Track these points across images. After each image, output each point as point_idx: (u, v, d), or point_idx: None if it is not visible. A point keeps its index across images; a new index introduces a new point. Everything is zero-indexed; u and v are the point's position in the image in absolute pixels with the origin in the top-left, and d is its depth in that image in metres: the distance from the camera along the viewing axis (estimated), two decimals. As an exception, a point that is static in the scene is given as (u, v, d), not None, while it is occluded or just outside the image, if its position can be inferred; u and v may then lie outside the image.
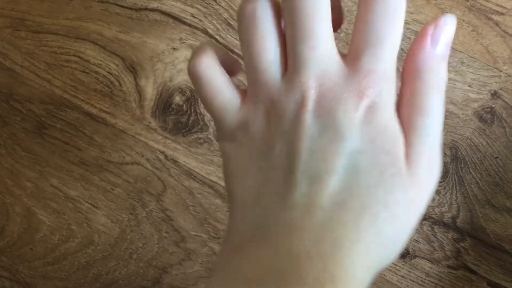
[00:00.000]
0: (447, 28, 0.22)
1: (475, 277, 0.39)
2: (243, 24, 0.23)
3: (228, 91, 0.24)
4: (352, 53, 0.22)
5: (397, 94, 0.23)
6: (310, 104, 0.22)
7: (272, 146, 0.23)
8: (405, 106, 0.22)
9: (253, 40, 0.23)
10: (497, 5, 0.40)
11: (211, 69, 0.24)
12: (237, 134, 0.24)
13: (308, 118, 0.22)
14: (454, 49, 0.40)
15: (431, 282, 0.39)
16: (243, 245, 0.22)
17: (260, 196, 0.23)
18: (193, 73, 0.24)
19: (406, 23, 0.40)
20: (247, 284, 0.20)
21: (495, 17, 0.40)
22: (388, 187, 0.22)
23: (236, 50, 0.42)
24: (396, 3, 0.21)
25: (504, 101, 0.40)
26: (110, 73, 0.42)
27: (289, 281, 0.20)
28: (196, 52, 0.24)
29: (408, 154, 0.22)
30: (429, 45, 0.22)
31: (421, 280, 0.39)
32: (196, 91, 0.25)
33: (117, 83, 0.42)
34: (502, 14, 0.40)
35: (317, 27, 0.22)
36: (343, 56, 0.23)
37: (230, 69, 0.26)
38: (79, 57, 0.43)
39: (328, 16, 0.22)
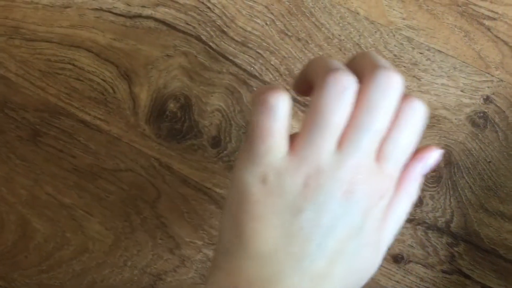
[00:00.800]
0: (433, 161, 0.29)
1: (469, 282, 0.39)
2: (330, 91, 0.24)
3: (285, 135, 0.26)
4: (381, 154, 0.26)
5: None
6: (346, 187, 0.25)
7: (303, 209, 0.25)
8: (390, 204, 0.28)
9: (335, 111, 0.25)
10: (489, 10, 0.40)
11: (285, 108, 0.25)
12: (270, 179, 0.25)
13: (342, 198, 0.25)
14: (446, 55, 0.40)
15: (425, 287, 0.39)
16: None
17: (277, 253, 0.25)
18: (268, 104, 0.25)
19: (398, 28, 0.41)
20: None
21: (487, 22, 0.40)
22: (367, 262, 0.28)
23: (229, 57, 0.42)
24: (417, 121, 0.27)
25: (497, 105, 0.40)
26: (104, 81, 0.42)
27: None
28: (276, 89, 0.25)
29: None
30: (418, 174, 0.29)
31: (416, 285, 0.39)
32: (256, 120, 0.25)
33: (111, 90, 0.42)
34: (494, 19, 0.40)
35: (380, 124, 0.25)
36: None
37: None
38: (73, 64, 0.43)
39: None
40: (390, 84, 0.25)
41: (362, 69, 0.26)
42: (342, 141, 0.25)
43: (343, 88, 0.24)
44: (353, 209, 0.25)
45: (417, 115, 0.26)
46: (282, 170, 0.25)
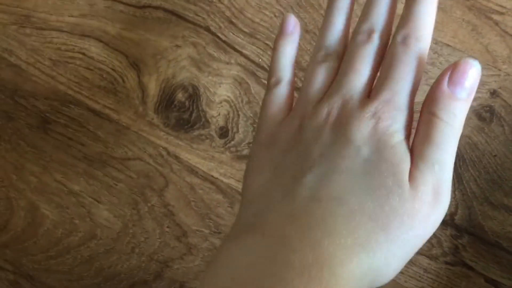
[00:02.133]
0: (467, 72, 0.24)
1: (472, 274, 0.39)
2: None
3: (283, 116, 0.28)
4: (374, 89, 0.26)
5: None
6: (331, 119, 0.26)
7: (292, 148, 0.26)
8: (418, 137, 0.24)
9: (317, 73, 0.28)
10: (497, 4, 0.41)
11: (280, 91, 0.29)
12: (267, 139, 0.28)
13: (327, 129, 0.25)
14: (454, 48, 0.41)
15: (429, 278, 0.39)
16: (241, 234, 0.24)
17: (267, 190, 0.25)
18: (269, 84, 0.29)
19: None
20: (239, 270, 0.21)
21: (495, 17, 0.41)
22: (386, 192, 0.23)
23: (237, 48, 0.42)
24: (418, 56, 0.25)
25: (503, 100, 0.40)
26: (114, 70, 0.43)
27: (277, 264, 0.21)
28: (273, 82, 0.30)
29: (413, 177, 0.23)
30: (445, 85, 0.24)
31: (419, 276, 0.39)
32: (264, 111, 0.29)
33: (120, 80, 0.43)
34: (502, 13, 0.41)
35: (363, 68, 0.26)
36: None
37: None
38: (83, 54, 0.43)
39: (376, 63, 0.27)
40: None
41: None
42: (330, 87, 0.27)
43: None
44: (342, 135, 0.25)
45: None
46: (278, 129, 0.28)
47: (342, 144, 0.24)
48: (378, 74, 0.27)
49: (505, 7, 0.40)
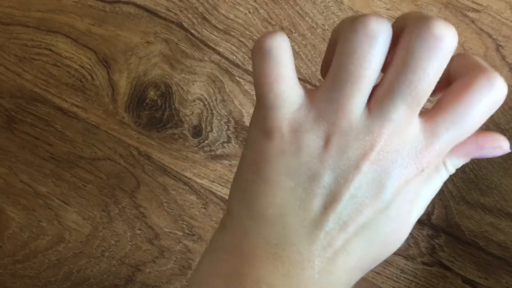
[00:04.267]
0: (495, 153, 0.24)
1: (449, 274, 0.39)
2: (357, 36, 0.21)
3: (295, 81, 0.22)
4: (433, 121, 0.22)
5: None
6: (374, 156, 0.22)
7: (319, 174, 0.22)
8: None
9: (362, 60, 0.21)
10: (473, 2, 0.40)
11: (285, 50, 0.22)
12: (284, 135, 0.22)
13: (366, 167, 0.22)
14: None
15: (405, 278, 0.39)
16: (254, 258, 0.22)
17: (286, 217, 0.22)
18: (262, 46, 0.21)
19: (379, 14, 0.40)
20: None
21: (471, 14, 0.40)
22: (391, 249, 0.24)
23: (211, 44, 0.41)
24: (495, 102, 0.21)
25: (479, 98, 0.40)
26: (82, 67, 0.41)
27: None
28: (270, 32, 0.22)
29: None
30: (468, 155, 0.24)
31: (396, 277, 0.39)
32: (257, 69, 0.22)
33: (89, 77, 0.41)
34: (478, 11, 0.40)
35: (422, 86, 0.21)
36: (420, 114, 0.23)
37: None
38: (50, 50, 0.42)
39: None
40: (438, 38, 0.20)
41: (405, 21, 0.21)
42: (373, 102, 0.22)
43: (372, 33, 0.20)
44: (381, 181, 0.22)
45: (493, 94, 0.21)
46: (298, 124, 0.22)
47: (375, 194, 0.22)
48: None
49: (481, 5, 0.40)
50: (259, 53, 0.22)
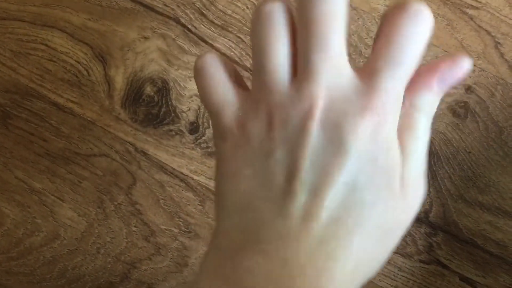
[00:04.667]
0: (459, 73, 0.23)
1: (447, 272, 0.39)
2: (257, 24, 0.23)
3: (228, 86, 0.24)
4: (369, 69, 0.22)
5: None
6: (318, 114, 0.22)
7: (272, 151, 0.22)
8: (401, 129, 0.23)
9: (265, 41, 0.22)
10: (472, -1, 0.40)
11: (213, 64, 0.24)
12: (234, 133, 0.23)
13: (314, 128, 0.22)
14: (428, 43, 0.40)
15: (403, 276, 0.39)
16: (236, 251, 0.22)
17: (254, 201, 0.22)
18: (195, 67, 0.25)
19: (377, 10, 0.40)
20: None
21: (469, 11, 0.40)
22: (383, 208, 0.22)
23: (208, 40, 0.41)
24: (424, 29, 0.22)
25: (478, 95, 0.40)
26: (78, 62, 0.41)
27: None
28: (200, 55, 0.25)
29: (402, 176, 0.22)
30: (434, 82, 0.23)
31: (393, 275, 0.39)
32: (197, 86, 0.25)
33: (85, 73, 0.41)
34: (477, 8, 0.40)
35: (332, 37, 0.21)
36: (356, 70, 0.23)
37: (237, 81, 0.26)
38: (46, 45, 0.41)
39: (344, 26, 0.22)
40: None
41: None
42: (298, 67, 0.22)
43: (266, 13, 0.22)
44: (335, 135, 0.21)
45: (417, 20, 0.21)
46: (242, 118, 0.23)
47: (336, 152, 0.21)
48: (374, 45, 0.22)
49: (480, 2, 0.40)
50: (194, 74, 0.25)
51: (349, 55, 0.40)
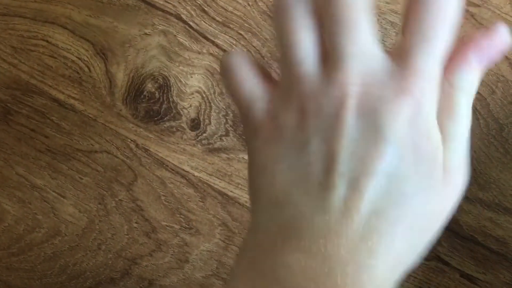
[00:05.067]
0: (499, 45, 0.22)
1: (448, 269, 0.39)
2: (279, 14, 0.22)
3: (256, 81, 0.24)
4: (401, 48, 0.21)
5: None
6: (352, 102, 0.21)
7: (306, 143, 0.21)
8: (440, 111, 0.22)
9: (289, 31, 0.22)
10: (473, -4, 0.40)
11: (239, 60, 0.24)
12: (265, 127, 0.23)
13: (349, 117, 0.21)
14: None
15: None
16: (273, 245, 0.21)
17: (291, 195, 0.21)
18: (222, 64, 0.24)
19: (382, 12, 0.40)
20: None
21: (471, 9, 0.40)
22: (425, 197, 0.21)
23: (209, 37, 0.41)
24: (451, 4, 0.21)
25: (479, 93, 0.40)
26: (80, 58, 0.41)
27: None
28: (227, 52, 0.25)
29: (446, 163, 0.21)
30: (472, 58, 0.22)
31: (394, 271, 0.39)
32: (225, 84, 0.25)
33: (86, 69, 0.41)
34: (478, 6, 0.40)
35: (359, 19, 0.21)
36: (387, 52, 0.22)
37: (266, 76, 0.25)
38: (47, 41, 0.41)
39: (369, 6, 0.21)
40: None
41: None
42: (327, 55, 0.22)
43: (288, 4, 0.22)
44: (373, 122, 0.20)
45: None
46: (273, 112, 0.23)
47: (374, 140, 0.20)
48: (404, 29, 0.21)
49: (481, -1, 0.40)
50: (221, 72, 0.25)
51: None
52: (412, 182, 0.21)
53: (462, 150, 0.22)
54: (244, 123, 0.24)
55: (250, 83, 0.24)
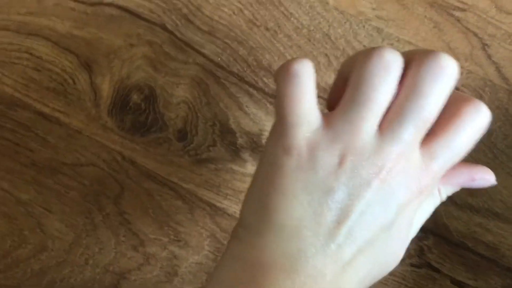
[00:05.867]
0: (485, 183, 0.29)
1: (438, 275, 0.38)
2: (374, 67, 0.23)
3: (314, 102, 0.24)
4: (430, 149, 0.25)
5: None
6: (384, 174, 0.24)
7: (334, 189, 0.23)
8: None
9: (378, 84, 0.23)
10: (458, 1, 0.40)
11: (308, 73, 0.24)
12: (301, 153, 0.24)
13: (376, 186, 0.24)
14: (416, 46, 0.40)
15: (394, 281, 0.39)
16: (272, 271, 0.23)
17: (302, 230, 0.24)
18: (290, 71, 0.24)
19: (368, 19, 0.40)
20: None
21: (456, 13, 0.40)
22: (387, 268, 0.27)
23: (195, 46, 0.40)
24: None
25: (466, 98, 0.39)
26: (64, 71, 0.40)
27: None
28: (297, 58, 0.24)
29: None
30: (459, 184, 0.29)
31: (385, 279, 0.39)
32: (284, 91, 0.24)
33: (71, 81, 0.40)
34: (464, 10, 0.40)
35: (428, 106, 0.24)
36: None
37: None
38: (30, 54, 0.41)
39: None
40: (443, 67, 0.23)
41: (413, 55, 0.24)
42: (385, 125, 0.24)
43: (387, 62, 0.23)
44: (388, 200, 0.24)
45: (480, 120, 0.24)
46: (315, 143, 0.24)
47: (383, 212, 0.24)
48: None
49: (466, 4, 0.40)
50: (286, 76, 0.24)
51: (334, 60, 0.40)
52: (396, 232, 0.26)
53: (413, 233, 0.28)
54: (280, 136, 0.24)
55: (310, 101, 0.24)
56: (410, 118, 0.23)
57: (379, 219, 0.24)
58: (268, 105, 0.40)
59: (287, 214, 0.24)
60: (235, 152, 0.40)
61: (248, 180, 0.37)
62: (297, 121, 0.24)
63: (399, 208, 0.24)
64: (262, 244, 0.24)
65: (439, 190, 0.28)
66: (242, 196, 0.39)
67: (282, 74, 0.24)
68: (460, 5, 0.40)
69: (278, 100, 0.24)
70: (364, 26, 0.40)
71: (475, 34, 0.40)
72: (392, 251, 0.26)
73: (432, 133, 0.25)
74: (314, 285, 0.23)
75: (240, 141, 0.40)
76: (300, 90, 0.24)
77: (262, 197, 0.25)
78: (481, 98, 0.39)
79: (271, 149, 0.25)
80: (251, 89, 0.40)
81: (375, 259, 0.25)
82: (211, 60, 0.40)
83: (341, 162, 0.24)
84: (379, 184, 0.24)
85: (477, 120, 0.24)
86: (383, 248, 0.25)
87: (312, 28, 0.40)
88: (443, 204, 0.38)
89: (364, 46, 0.40)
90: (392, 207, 0.24)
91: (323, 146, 0.24)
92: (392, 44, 0.40)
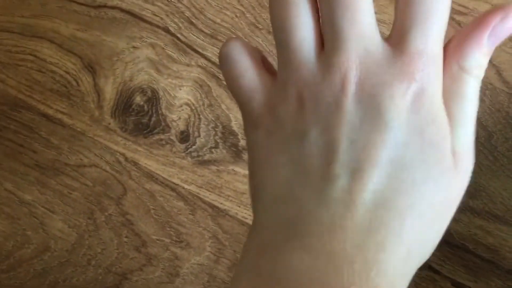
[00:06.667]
0: (510, 27, 0.20)
1: (438, 277, 0.39)
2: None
3: (255, 72, 0.22)
4: (396, 32, 0.20)
5: None
6: (351, 87, 0.20)
7: (306, 133, 0.20)
8: (448, 95, 0.20)
9: (285, 15, 0.21)
10: (459, 5, 0.40)
11: (238, 51, 0.22)
12: (265, 119, 0.22)
13: (349, 103, 0.20)
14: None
15: (395, 283, 0.39)
16: (276, 245, 0.20)
17: (293, 189, 0.21)
18: (220, 54, 0.23)
19: (369, 22, 0.40)
20: None
21: (457, 17, 0.40)
22: (434, 185, 0.20)
23: (197, 49, 0.41)
24: None
25: (467, 101, 0.40)
26: (67, 73, 0.41)
27: None
28: (225, 40, 0.23)
29: (452, 148, 0.20)
30: (485, 39, 0.20)
31: (386, 282, 0.39)
32: (224, 75, 0.23)
33: (74, 83, 0.41)
34: (465, 14, 0.40)
35: (359, 1, 0.20)
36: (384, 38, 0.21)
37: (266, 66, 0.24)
38: (35, 56, 0.41)
39: None
40: None
41: None
42: (324, 43, 0.21)
43: None
44: (373, 112, 0.20)
45: None
46: (271, 104, 0.22)
47: (376, 127, 0.19)
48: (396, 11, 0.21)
49: (467, 8, 0.40)
50: (220, 62, 0.23)
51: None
52: (420, 170, 0.20)
53: (471, 134, 0.21)
54: (244, 118, 0.23)
55: (250, 74, 0.22)
56: (340, 17, 0.20)
57: (377, 135, 0.19)
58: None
59: (271, 184, 0.21)
60: (237, 154, 0.40)
61: (250, 181, 0.37)
62: (246, 96, 0.22)
63: (396, 110, 0.20)
64: (259, 222, 0.22)
65: (461, 66, 0.21)
66: (243, 198, 0.39)
67: (219, 62, 0.23)
68: (461, 9, 0.40)
69: (228, 88, 0.23)
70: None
71: (476, 38, 0.40)
72: (427, 160, 0.20)
73: (395, 17, 0.21)
74: (329, 241, 0.19)
75: (242, 143, 0.40)
76: (236, 68, 0.22)
77: (251, 179, 0.23)
78: (482, 101, 0.40)
79: (246, 134, 0.23)
80: (253, 92, 0.40)
81: (403, 181, 0.19)
82: (214, 63, 0.41)
83: (300, 102, 0.21)
84: (349, 100, 0.20)
85: None
86: (413, 162, 0.19)
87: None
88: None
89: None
90: (384, 113, 0.19)
91: (278, 100, 0.21)
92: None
